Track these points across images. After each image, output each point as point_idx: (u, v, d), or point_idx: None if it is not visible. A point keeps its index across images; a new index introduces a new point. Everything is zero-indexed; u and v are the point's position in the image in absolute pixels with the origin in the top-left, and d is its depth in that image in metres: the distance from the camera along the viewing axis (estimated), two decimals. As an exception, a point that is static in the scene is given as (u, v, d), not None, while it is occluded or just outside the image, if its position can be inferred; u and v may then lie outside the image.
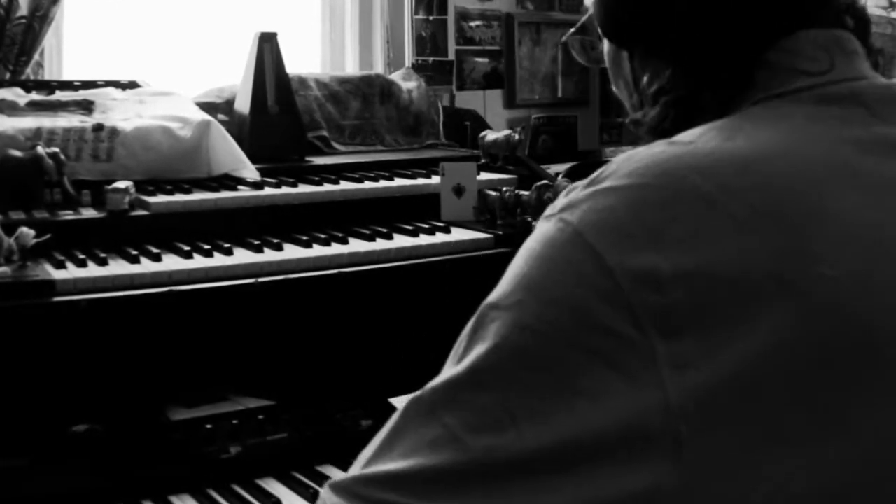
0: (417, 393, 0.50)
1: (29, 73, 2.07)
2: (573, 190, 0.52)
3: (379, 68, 2.73)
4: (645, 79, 0.64)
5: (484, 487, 0.46)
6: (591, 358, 0.46)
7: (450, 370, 0.50)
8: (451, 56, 2.98)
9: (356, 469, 0.51)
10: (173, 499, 1.30)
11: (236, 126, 1.96)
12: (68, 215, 1.54)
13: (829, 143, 0.53)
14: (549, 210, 0.52)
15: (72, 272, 1.38)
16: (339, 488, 0.50)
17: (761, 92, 0.57)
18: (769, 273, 0.46)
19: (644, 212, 0.48)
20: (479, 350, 0.49)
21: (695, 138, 0.53)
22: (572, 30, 0.77)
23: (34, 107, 1.81)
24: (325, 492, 0.52)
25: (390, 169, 2.00)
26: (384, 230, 1.71)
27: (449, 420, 0.48)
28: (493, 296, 0.51)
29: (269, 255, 1.54)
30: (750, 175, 0.49)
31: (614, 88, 0.70)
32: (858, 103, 0.56)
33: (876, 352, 0.47)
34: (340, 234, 1.66)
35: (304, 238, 1.63)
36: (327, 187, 1.82)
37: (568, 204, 0.51)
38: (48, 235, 1.41)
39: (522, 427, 0.46)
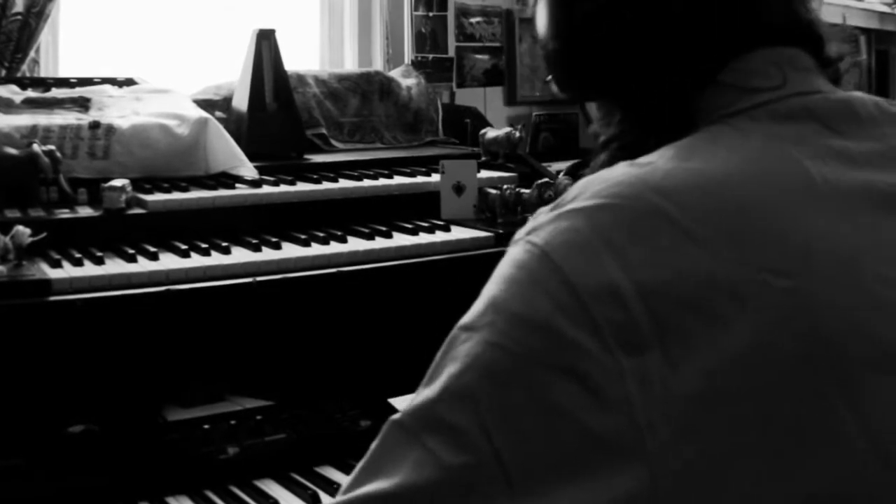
0: (395, 417, 0.52)
1: (25, 70, 2.06)
2: (539, 215, 0.54)
3: (378, 65, 2.71)
4: (597, 124, 0.67)
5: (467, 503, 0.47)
6: (559, 375, 0.47)
7: (424, 392, 0.51)
8: (451, 53, 2.96)
9: (340, 496, 0.52)
10: (170, 500, 1.29)
11: (234, 124, 1.95)
12: (64, 214, 1.53)
13: (786, 160, 0.54)
14: (517, 235, 0.54)
15: (68, 271, 1.37)
16: None
17: (716, 111, 0.58)
18: (726, 289, 0.48)
19: (607, 231, 0.50)
20: (451, 370, 0.50)
21: (654, 159, 0.54)
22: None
23: (30, 104, 1.79)
24: None
25: (389, 167, 1.99)
26: (383, 229, 1.70)
27: (427, 440, 0.49)
28: (465, 318, 0.52)
29: (267, 254, 1.53)
30: (708, 194, 0.51)
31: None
32: (813, 118, 0.56)
33: (841, 361, 0.48)
34: (339, 233, 1.65)
35: (303, 237, 1.61)
36: (326, 185, 1.81)
37: (534, 227, 0.53)
38: (44, 234, 1.40)
39: (498, 444, 0.47)
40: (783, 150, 0.54)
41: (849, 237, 0.51)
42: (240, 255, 1.52)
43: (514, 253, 0.53)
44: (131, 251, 1.46)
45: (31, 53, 2.07)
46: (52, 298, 1.31)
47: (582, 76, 0.64)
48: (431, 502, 0.48)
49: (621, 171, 0.53)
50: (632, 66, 0.61)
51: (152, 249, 1.47)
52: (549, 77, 0.69)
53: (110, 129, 1.69)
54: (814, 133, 0.56)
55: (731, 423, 0.46)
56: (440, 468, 0.48)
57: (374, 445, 0.52)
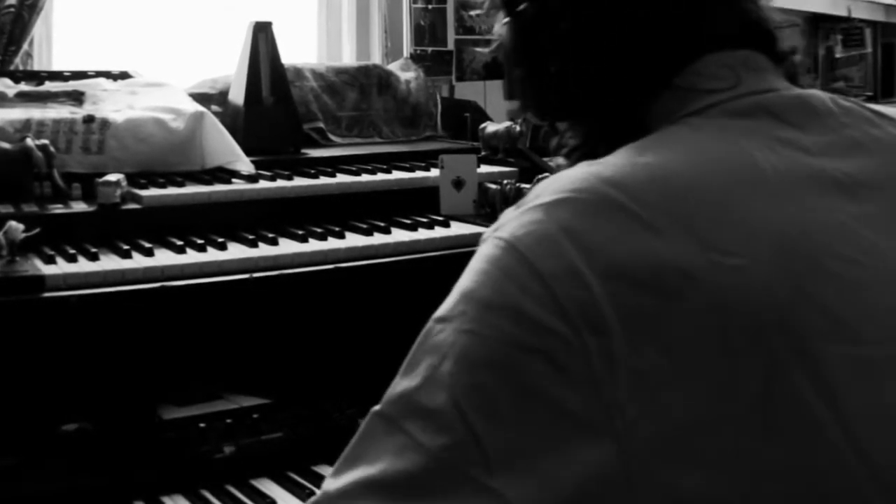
0: (375, 408, 0.54)
1: (18, 63, 2.04)
2: (505, 215, 0.57)
3: (376, 58, 2.69)
4: (562, 136, 0.71)
5: (449, 485, 0.49)
6: (530, 355, 0.50)
7: (402, 381, 0.53)
8: (451, 46, 2.94)
9: (325, 485, 0.54)
10: (166, 499, 1.28)
11: (230, 118, 1.94)
12: (58, 209, 1.52)
13: (734, 150, 0.56)
14: (485, 234, 0.57)
15: (62, 267, 1.35)
16: None
17: (672, 114, 0.61)
18: (679, 270, 0.50)
19: (566, 221, 0.53)
20: (428, 360, 0.53)
21: (609, 158, 0.58)
22: None
23: (23, 98, 1.78)
24: None
25: (388, 162, 1.98)
26: (382, 224, 1.69)
27: (408, 426, 0.51)
28: (439, 311, 0.55)
29: (263, 250, 1.52)
30: (657, 184, 0.54)
31: None
32: (767, 114, 0.59)
33: (795, 332, 0.50)
34: (337, 229, 1.64)
35: (300, 232, 1.60)
36: (323, 180, 1.80)
37: (500, 225, 0.56)
38: (37, 230, 1.38)
39: (473, 424, 0.49)
40: (732, 142, 0.57)
41: (796, 218, 0.53)
42: (236, 250, 1.51)
43: (483, 249, 0.55)
44: (126, 247, 1.44)
45: (25, 46, 2.05)
46: (46, 295, 1.29)
47: (546, 100, 0.68)
48: (414, 485, 0.50)
49: (577, 170, 0.57)
50: (591, 84, 0.64)
51: (147, 245, 1.46)
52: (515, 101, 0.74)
53: (105, 124, 1.68)
54: (766, 126, 0.58)
55: (693, 398, 0.48)
56: (421, 451, 0.50)
57: (356, 435, 0.54)
